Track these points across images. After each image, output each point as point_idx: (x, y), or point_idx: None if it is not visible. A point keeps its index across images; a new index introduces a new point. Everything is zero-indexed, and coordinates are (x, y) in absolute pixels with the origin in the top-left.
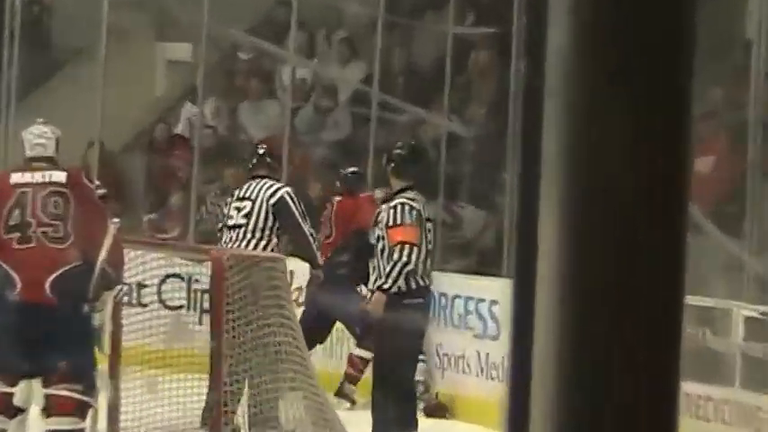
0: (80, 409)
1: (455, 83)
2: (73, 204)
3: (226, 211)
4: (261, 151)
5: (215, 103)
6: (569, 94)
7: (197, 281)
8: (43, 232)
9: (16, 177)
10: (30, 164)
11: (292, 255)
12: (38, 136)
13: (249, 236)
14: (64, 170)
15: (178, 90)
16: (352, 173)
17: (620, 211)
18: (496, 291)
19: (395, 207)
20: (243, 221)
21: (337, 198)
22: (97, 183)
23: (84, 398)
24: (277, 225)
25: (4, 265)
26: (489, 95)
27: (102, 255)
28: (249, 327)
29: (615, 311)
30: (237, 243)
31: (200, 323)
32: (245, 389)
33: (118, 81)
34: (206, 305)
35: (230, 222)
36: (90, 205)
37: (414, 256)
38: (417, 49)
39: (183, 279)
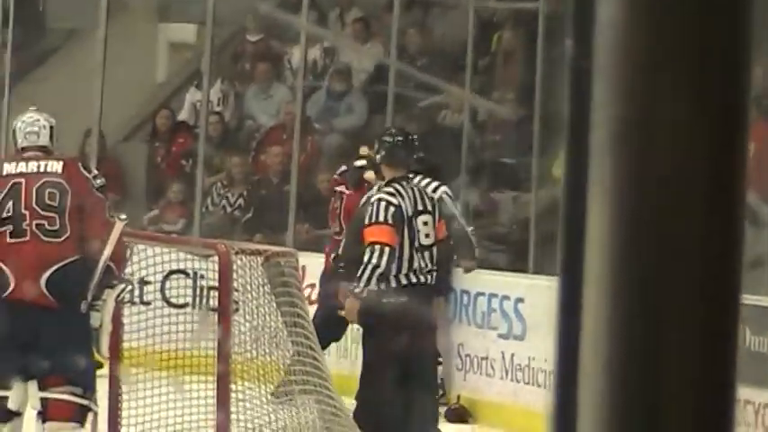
0: (79, 414)
1: (478, 65)
2: (69, 196)
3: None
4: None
5: (221, 88)
6: (620, 73)
7: (203, 277)
8: (38, 225)
9: (8, 168)
10: (22, 154)
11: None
12: (30, 125)
13: None
14: (60, 160)
15: (182, 74)
16: (360, 166)
17: (675, 199)
18: (522, 288)
19: (372, 204)
20: None
21: (346, 192)
22: (95, 172)
23: (84, 401)
24: None
25: None
26: (514, 78)
27: (106, 252)
28: (260, 325)
29: (668, 307)
30: None
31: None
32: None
33: (117, 65)
34: (212, 303)
35: None
36: (87, 197)
37: (385, 258)
38: (437, 30)
39: (188, 275)
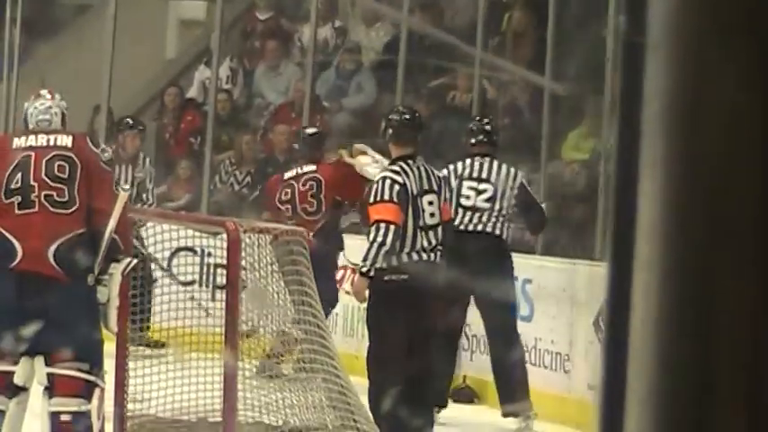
0: (86, 389)
1: (488, 45)
2: (78, 169)
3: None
4: (488, 127)
5: (230, 66)
6: (674, 50)
7: (210, 254)
8: (46, 196)
9: (18, 141)
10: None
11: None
12: (42, 112)
13: (494, 220)
14: (69, 134)
15: (191, 52)
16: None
17: (727, 179)
18: (530, 269)
19: (377, 182)
20: (486, 206)
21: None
22: (103, 146)
23: (91, 377)
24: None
25: (4, 232)
26: (525, 58)
27: (111, 224)
28: (267, 303)
29: (720, 290)
30: (481, 227)
31: (213, 299)
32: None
33: (127, 41)
34: (220, 280)
35: (467, 203)
36: (96, 171)
37: (390, 236)
38: (447, 9)
39: (195, 252)
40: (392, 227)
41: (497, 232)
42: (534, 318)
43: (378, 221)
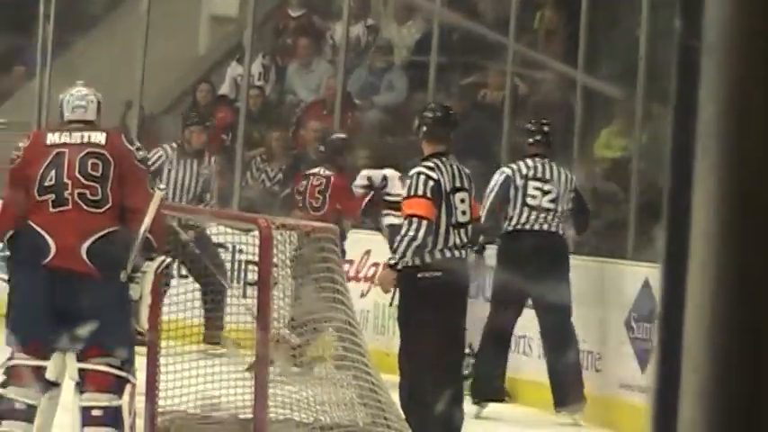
0: (117, 385)
1: (518, 45)
2: (112, 167)
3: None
4: (546, 128)
5: (262, 63)
6: (730, 52)
7: (241, 251)
8: (80, 194)
9: (51, 137)
10: (67, 125)
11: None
12: (78, 98)
13: (557, 221)
14: (103, 131)
15: (223, 48)
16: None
17: None
18: None
19: (411, 177)
20: (551, 206)
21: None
22: (138, 144)
23: (122, 373)
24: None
25: (38, 229)
26: (556, 57)
27: (146, 222)
28: (298, 301)
29: None
30: (546, 226)
31: (245, 296)
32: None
33: (159, 37)
34: (251, 277)
35: (533, 203)
36: (130, 169)
37: (422, 231)
38: (479, 7)
39: (226, 249)
40: (424, 222)
41: (560, 232)
42: None
43: (410, 216)
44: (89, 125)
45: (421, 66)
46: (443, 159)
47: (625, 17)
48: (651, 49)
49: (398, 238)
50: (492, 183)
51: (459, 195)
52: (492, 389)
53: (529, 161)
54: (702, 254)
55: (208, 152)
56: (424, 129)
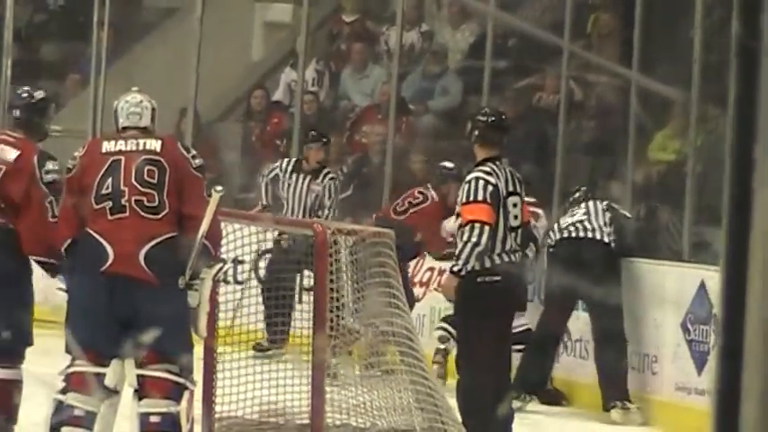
0: (175, 391)
1: (573, 48)
2: (168, 174)
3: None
4: None
5: (316, 68)
6: None
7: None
8: (137, 201)
9: (107, 146)
10: (122, 132)
11: None
12: (134, 105)
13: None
14: (158, 138)
15: (277, 54)
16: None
17: None
18: None
19: (469, 182)
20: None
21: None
22: (194, 152)
23: (180, 380)
24: None
25: (96, 236)
26: (611, 61)
27: (203, 227)
28: (354, 306)
29: None
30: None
31: (300, 302)
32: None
33: (213, 44)
34: (306, 282)
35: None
36: (186, 175)
37: (485, 237)
38: (533, 11)
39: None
40: (486, 227)
41: (606, 239)
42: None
43: (472, 222)
44: (144, 132)
45: (475, 70)
46: (498, 164)
47: (680, 19)
48: (706, 50)
49: (461, 244)
50: None
51: (512, 200)
52: (533, 383)
53: None
54: (763, 254)
55: (326, 170)
56: (476, 133)
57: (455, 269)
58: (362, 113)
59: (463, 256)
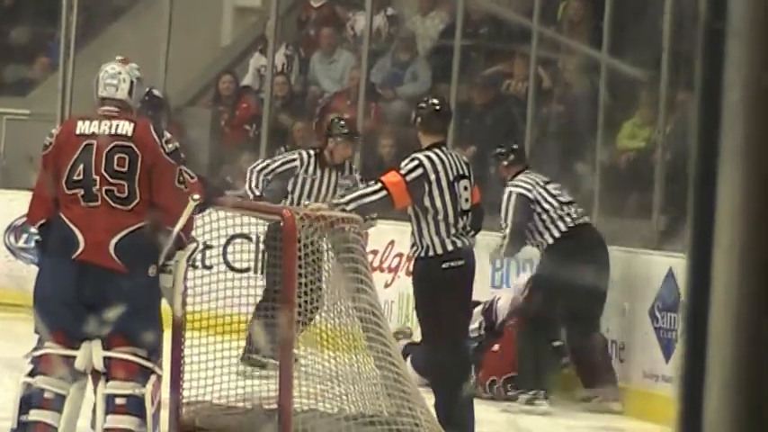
0: (142, 375)
1: (543, 35)
2: (139, 161)
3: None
4: (516, 145)
5: (285, 54)
6: (756, 35)
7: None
8: (107, 191)
9: (82, 126)
10: (98, 108)
11: None
12: (110, 76)
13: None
14: (131, 121)
15: (246, 39)
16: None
17: None
18: None
19: (409, 158)
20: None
21: None
22: (168, 136)
23: (148, 364)
24: None
25: (68, 223)
26: (580, 48)
27: (178, 226)
28: (322, 291)
29: None
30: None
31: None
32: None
33: (182, 29)
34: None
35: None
36: (156, 162)
37: (377, 202)
38: None
39: (250, 240)
40: (387, 197)
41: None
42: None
43: (384, 183)
44: (122, 106)
45: (445, 56)
46: (443, 149)
47: (650, 7)
48: (676, 38)
49: (359, 191)
50: (507, 204)
51: (462, 183)
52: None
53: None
54: (728, 241)
55: (349, 163)
56: (420, 120)
57: (334, 202)
58: (332, 99)
59: (352, 199)
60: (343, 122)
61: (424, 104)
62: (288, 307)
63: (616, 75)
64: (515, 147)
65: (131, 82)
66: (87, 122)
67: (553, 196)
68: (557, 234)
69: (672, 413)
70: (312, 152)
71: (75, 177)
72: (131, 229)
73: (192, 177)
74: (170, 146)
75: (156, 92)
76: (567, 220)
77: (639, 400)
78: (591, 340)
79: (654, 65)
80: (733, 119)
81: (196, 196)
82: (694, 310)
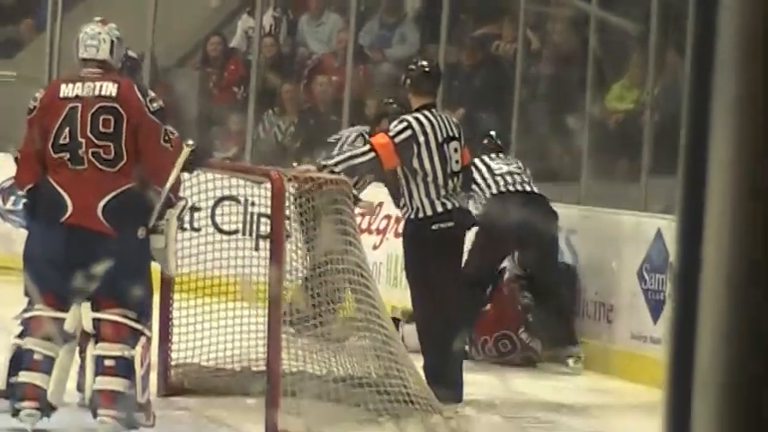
0: (131, 337)
1: None
2: (124, 121)
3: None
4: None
5: (273, 15)
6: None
7: (254, 204)
8: (94, 153)
9: (66, 89)
10: (80, 70)
11: None
12: (91, 37)
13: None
14: (115, 81)
15: (234, 1)
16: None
17: None
18: (575, 219)
19: (398, 120)
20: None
21: None
22: (152, 95)
23: (137, 326)
24: None
25: (56, 187)
26: (568, 11)
27: (170, 179)
28: (311, 253)
29: None
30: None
31: (257, 249)
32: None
33: None
34: (263, 230)
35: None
36: (141, 121)
37: (365, 164)
38: None
39: (238, 202)
40: (375, 159)
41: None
42: (578, 268)
43: (373, 145)
44: (103, 66)
45: (433, 18)
46: (433, 111)
47: None
48: None
49: (349, 152)
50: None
51: (452, 145)
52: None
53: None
54: (719, 204)
55: None
56: (410, 82)
57: (322, 163)
58: (320, 61)
59: (340, 160)
60: (394, 102)
61: (413, 66)
62: (276, 266)
63: (606, 29)
64: (491, 133)
65: (112, 42)
66: (71, 85)
67: (490, 169)
68: (488, 194)
69: (660, 374)
70: (356, 129)
71: (61, 141)
72: (119, 191)
73: (173, 133)
74: (154, 105)
75: (131, 53)
76: (501, 183)
77: (627, 361)
78: (546, 302)
79: (644, 19)
80: (725, 69)
81: (191, 141)
82: (684, 272)
